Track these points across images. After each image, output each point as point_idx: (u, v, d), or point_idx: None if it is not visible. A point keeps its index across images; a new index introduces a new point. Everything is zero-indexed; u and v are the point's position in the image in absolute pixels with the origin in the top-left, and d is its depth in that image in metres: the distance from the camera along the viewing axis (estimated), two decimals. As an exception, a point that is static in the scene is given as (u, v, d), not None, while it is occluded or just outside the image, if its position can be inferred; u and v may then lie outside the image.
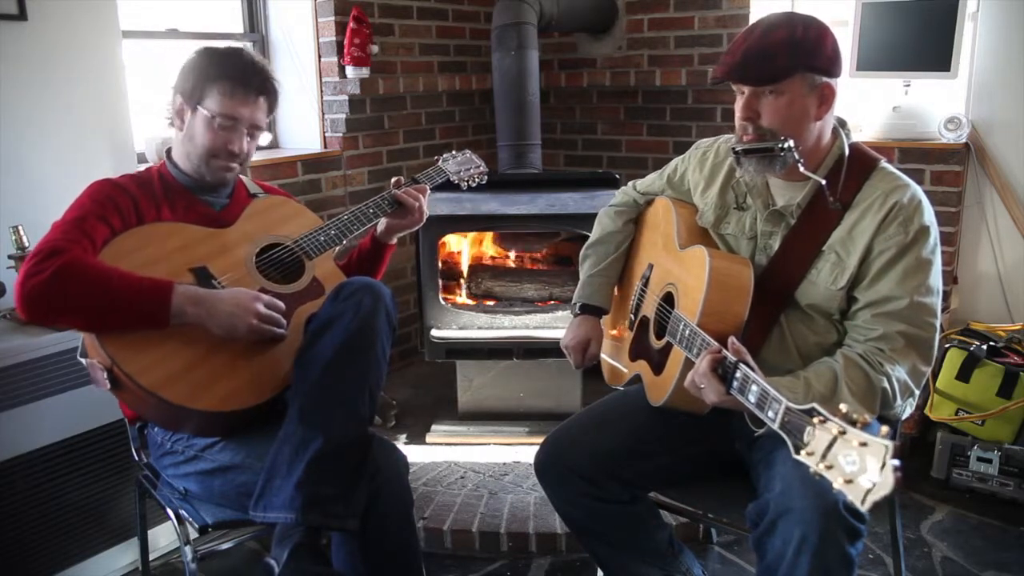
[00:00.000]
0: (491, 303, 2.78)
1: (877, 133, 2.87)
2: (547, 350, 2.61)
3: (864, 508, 1.05)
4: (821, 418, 1.10)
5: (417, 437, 2.75)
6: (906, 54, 2.77)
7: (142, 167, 1.79)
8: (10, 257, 1.95)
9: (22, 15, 2.02)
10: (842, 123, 1.57)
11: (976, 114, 2.77)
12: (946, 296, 2.83)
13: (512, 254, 2.95)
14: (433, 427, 2.77)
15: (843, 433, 1.07)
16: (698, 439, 1.63)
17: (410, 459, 1.77)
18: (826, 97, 1.46)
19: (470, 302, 2.79)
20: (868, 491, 1.04)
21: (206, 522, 1.58)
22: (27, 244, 1.94)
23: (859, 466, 1.04)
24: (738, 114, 1.49)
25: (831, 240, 1.49)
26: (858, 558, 1.28)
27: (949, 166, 2.75)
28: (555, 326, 2.63)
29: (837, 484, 1.05)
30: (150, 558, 2.01)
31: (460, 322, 2.66)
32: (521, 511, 2.30)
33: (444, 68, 3.36)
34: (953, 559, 2.20)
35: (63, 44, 2.12)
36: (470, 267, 2.88)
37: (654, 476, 1.64)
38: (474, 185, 2.14)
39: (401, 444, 2.72)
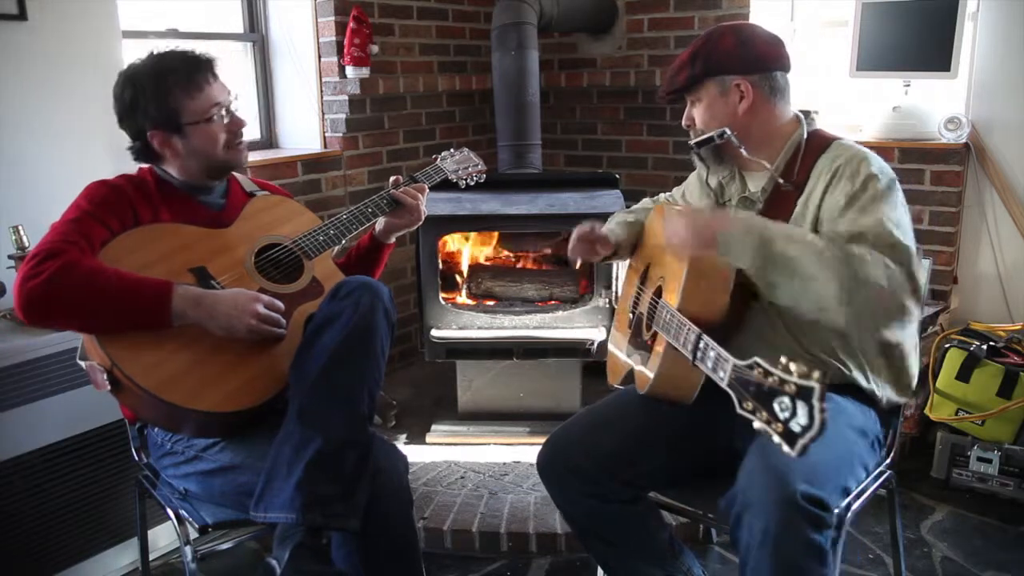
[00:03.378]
0: (491, 303, 2.78)
1: (877, 133, 2.87)
2: (547, 350, 2.61)
3: (795, 454, 1.10)
4: (761, 370, 1.16)
5: (417, 437, 2.75)
6: (906, 54, 2.77)
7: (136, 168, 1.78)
8: (10, 257, 1.95)
9: (22, 15, 2.03)
10: (805, 113, 1.64)
11: (976, 114, 2.77)
12: (946, 296, 2.83)
13: (514, 256, 2.95)
14: (433, 427, 2.77)
15: (780, 382, 1.13)
16: (700, 438, 1.64)
17: (410, 459, 1.77)
18: (743, 94, 1.58)
19: (470, 302, 2.78)
20: (798, 436, 1.10)
21: (206, 522, 1.58)
22: (27, 244, 1.94)
23: (791, 411, 1.11)
24: (683, 126, 1.70)
25: (792, 219, 1.56)
26: (829, 544, 1.29)
27: (949, 166, 2.75)
28: (555, 326, 2.63)
29: (776, 437, 1.12)
30: (150, 558, 2.01)
31: (460, 322, 2.66)
32: (521, 511, 2.30)
33: (444, 68, 3.36)
34: (953, 559, 2.20)
35: (63, 44, 2.12)
36: (470, 267, 2.88)
37: (656, 475, 1.65)
38: (472, 183, 2.14)
39: (401, 444, 2.72)
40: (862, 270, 1.36)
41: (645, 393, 1.59)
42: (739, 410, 1.19)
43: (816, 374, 1.09)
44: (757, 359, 1.18)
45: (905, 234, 1.45)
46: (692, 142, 1.66)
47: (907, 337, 1.59)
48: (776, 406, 1.13)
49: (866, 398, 1.58)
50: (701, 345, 1.36)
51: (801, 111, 1.65)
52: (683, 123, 1.69)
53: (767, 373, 1.16)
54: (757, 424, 1.15)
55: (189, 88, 1.62)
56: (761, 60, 1.59)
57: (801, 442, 1.11)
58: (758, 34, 1.61)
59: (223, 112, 1.67)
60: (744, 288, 1.52)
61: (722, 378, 1.26)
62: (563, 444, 1.66)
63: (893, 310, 1.40)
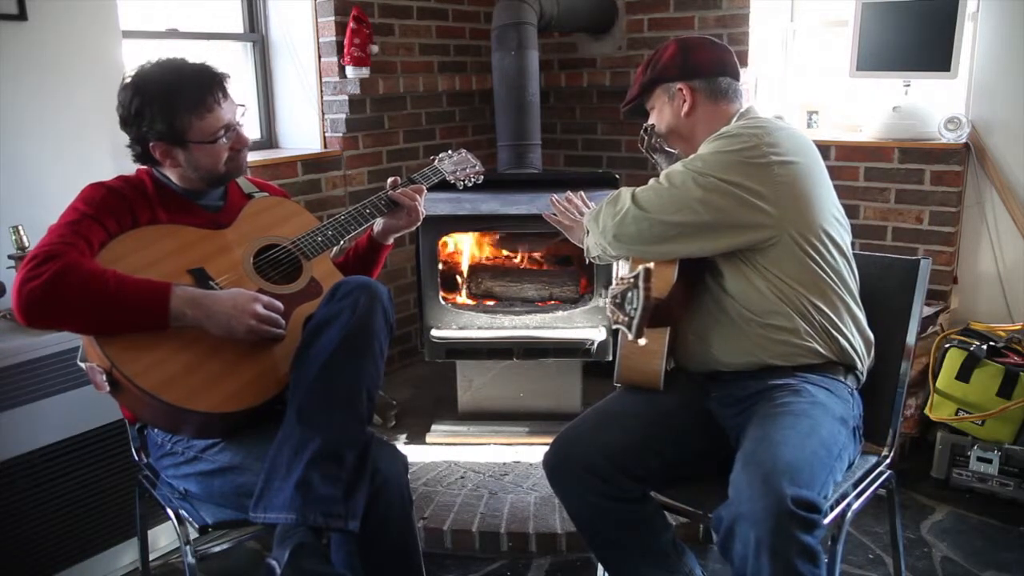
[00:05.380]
0: (491, 303, 2.78)
1: (877, 133, 2.87)
2: (547, 350, 2.61)
3: (632, 335, 1.38)
4: (619, 279, 1.41)
5: (417, 437, 2.75)
6: (906, 54, 2.77)
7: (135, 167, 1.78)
8: (10, 257, 1.95)
9: (22, 15, 2.03)
10: (748, 110, 1.74)
11: (976, 114, 2.77)
12: (946, 296, 2.83)
13: (517, 255, 2.95)
14: (433, 427, 2.77)
15: (624, 283, 1.38)
16: (702, 438, 1.66)
17: (410, 459, 1.77)
18: (685, 98, 1.73)
19: (470, 302, 2.78)
20: (633, 319, 1.35)
21: (206, 522, 1.58)
22: (27, 244, 1.94)
23: (631, 301, 1.37)
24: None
25: None
26: (819, 544, 1.30)
27: (949, 166, 2.75)
28: (555, 326, 2.63)
29: (625, 331, 1.38)
30: (150, 558, 2.01)
31: (460, 322, 2.66)
32: (521, 511, 2.30)
33: (444, 68, 3.37)
34: (953, 559, 2.20)
35: (63, 44, 2.12)
36: (470, 267, 2.88)
37: (663, 473, 1.65)
38: (470, 184, 2.14)
39: (401, 444, 2.72)
40: (608, 202, 1.69)
41: (617, 381, 1.70)
42: (613, 327, 1.44)
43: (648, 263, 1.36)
44: (622, 274, 1.41)
45: (680, 185, 1.58)
46: (639, 141, 1.85)
47: (830, 295, 1.62)
48: (626, 304, 1.38)
49: (841, 372, 1.63)
50: (616, 293, 1.52)
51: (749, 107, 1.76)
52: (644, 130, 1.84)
53: (621, 281, 1.40)
54: (628, 335, 1.38)
55: (198, 110, 1.61)
56: (701, 67, 1.73)
57: (635, 323, 1.36)
58: (701, 44, 1.76)
59: (229, 132, 1.67)
60: (694, 272, 1.63)
61: (607, 305, 1.48)
62: (574, 443, 1.66)
63: (616, 223, 1.64)
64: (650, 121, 1.81)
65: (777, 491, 1.28)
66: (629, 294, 1.37)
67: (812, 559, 1.28)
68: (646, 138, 1.82)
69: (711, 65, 1.73)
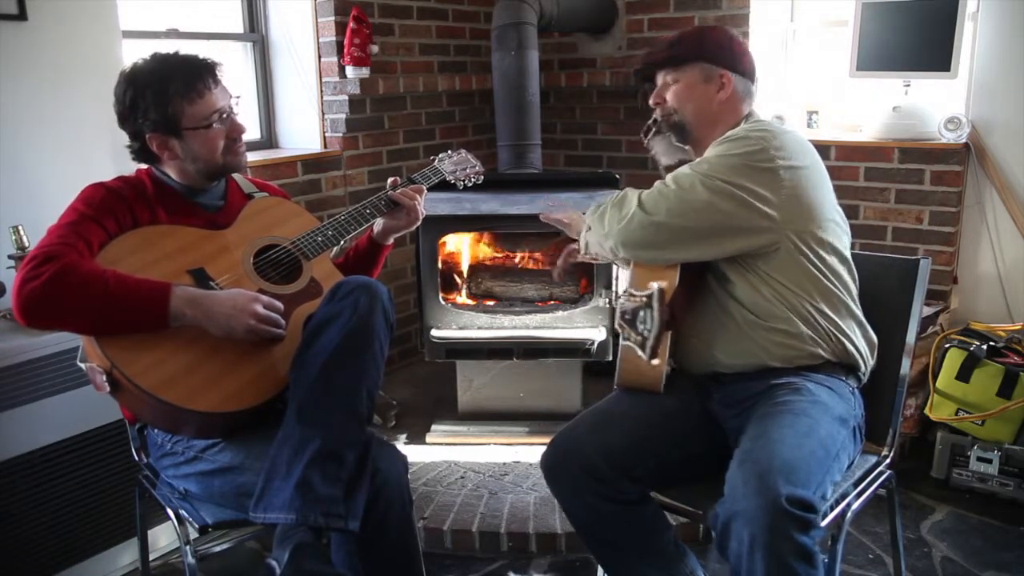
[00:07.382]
0: (491, 303, 2.78)
1: (877, 133, 2.87)
2: (547, 350, 2.61)
3: (646, 356, 1.37)
4: (630, 296, 1.40)
5: (417, 437, 2.75)
6: (906, 54, 2.77)
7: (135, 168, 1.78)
8: (10, 257, 1.95)
9: (22, 15, 2.03)
10: (751, 114, 1.75)
11: (976, 114, 2.77)
12: (946, 296, 2.83)
13: (517, 256, 2.95)
14: (433, 427, 2.77)
15: (637, 300, 1.37)
16: (701, 438, 1.66)
17: (410, 459, 1.77)
18: (724, 85, 1.71)
19: (470, 302, 2.78)
20: (647, 339, 1.36)
21: (206, 522, 1.58)
22: (27, 244, 1.94)
23: (644, 321, 1.37)
24: (650, 104, 1.80)
25: None
26: (817, 545, 1.30)
27: (949, 166, 2.75)
28: (555, 326, 2.63)
29: (639, 350, 1.38)
30: (150, 558, 2.01)
31: (460, 322, 2.66)
32: (521, 511, 2.30)
33: (444, 68, 3.37)
34: (953, 559, 2.20)
35: (63, 44, 2.12)
36: (470, 267, 2.88)
37: (661, 474, 1.65)
38: (470, 184, 2.14)
39: (401, 444, 2.72)
40: (607, 206, 1.68)
41: (618, 384, 1.68)
42: (623, 343, 1.43)
43: (662, 282, 1.35)
44: (630, 288, 1.40)
45: (688, 188, 1.57)
46: (646, 134, 1.81)
47: (832, 299, 1.62)
48: (639, 323, 1.37)
49: (842, 371, 1.63)
50: (629, 308, 1.52)
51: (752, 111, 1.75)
52: (652, 101, 1.79)
53: (632, 297, 1.37)
54: (640, 353, 1.38)
55: (189, 94, 1.62)
56: (744, 64, 1.74)
57: (649, 344, 1.35)
58: (744, 45, 1.77)
59: (223, 117, 1.67)
60: (695, 275, 1.62)
61: (618, 320, 1.49)
62: (572, 444, 1.66)
63: (621, 228, 1.60)
64: (667, 94, 1.76)
65: (772, 489, 1.28)
66: (642, 313, 1.34)
67: (807, 559, 1.28)
68: (654, 122, 1.80)
69: (750, 67, 1.75)
